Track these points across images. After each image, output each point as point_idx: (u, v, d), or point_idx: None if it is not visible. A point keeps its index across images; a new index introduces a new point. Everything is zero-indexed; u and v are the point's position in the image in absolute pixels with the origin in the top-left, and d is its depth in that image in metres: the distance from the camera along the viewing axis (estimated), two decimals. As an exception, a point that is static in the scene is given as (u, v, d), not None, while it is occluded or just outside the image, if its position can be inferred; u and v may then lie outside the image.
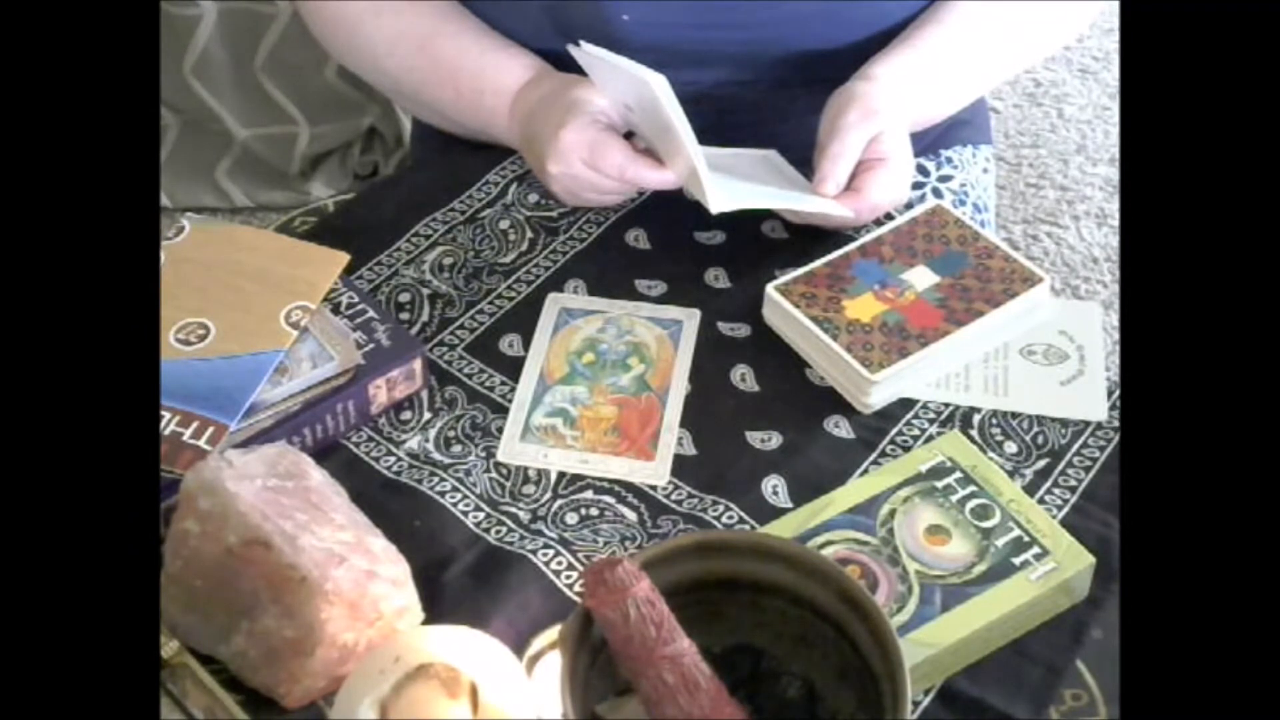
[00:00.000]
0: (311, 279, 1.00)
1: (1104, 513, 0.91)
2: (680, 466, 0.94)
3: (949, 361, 0.99)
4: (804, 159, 1.08)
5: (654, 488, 0.93)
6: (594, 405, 0.98)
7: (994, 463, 0.92)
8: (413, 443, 0.96)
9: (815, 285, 1.02)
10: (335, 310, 0.99)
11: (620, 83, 1.03)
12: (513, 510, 0.92)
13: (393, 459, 0.95)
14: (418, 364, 0.98)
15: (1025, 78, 2.38)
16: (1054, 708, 0.82)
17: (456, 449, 0.96)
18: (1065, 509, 0.92)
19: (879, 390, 0.96)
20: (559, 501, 0.93)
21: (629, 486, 0.93)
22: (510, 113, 1.12)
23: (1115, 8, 2.32)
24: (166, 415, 0.90)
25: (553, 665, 0.75)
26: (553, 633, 0.76)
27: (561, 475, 0.94)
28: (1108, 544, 0.89)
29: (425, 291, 1.07)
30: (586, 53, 1.04)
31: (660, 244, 1.10)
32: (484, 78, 1.13)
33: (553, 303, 1.05)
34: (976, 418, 0.97)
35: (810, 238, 1.09)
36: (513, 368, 1.01)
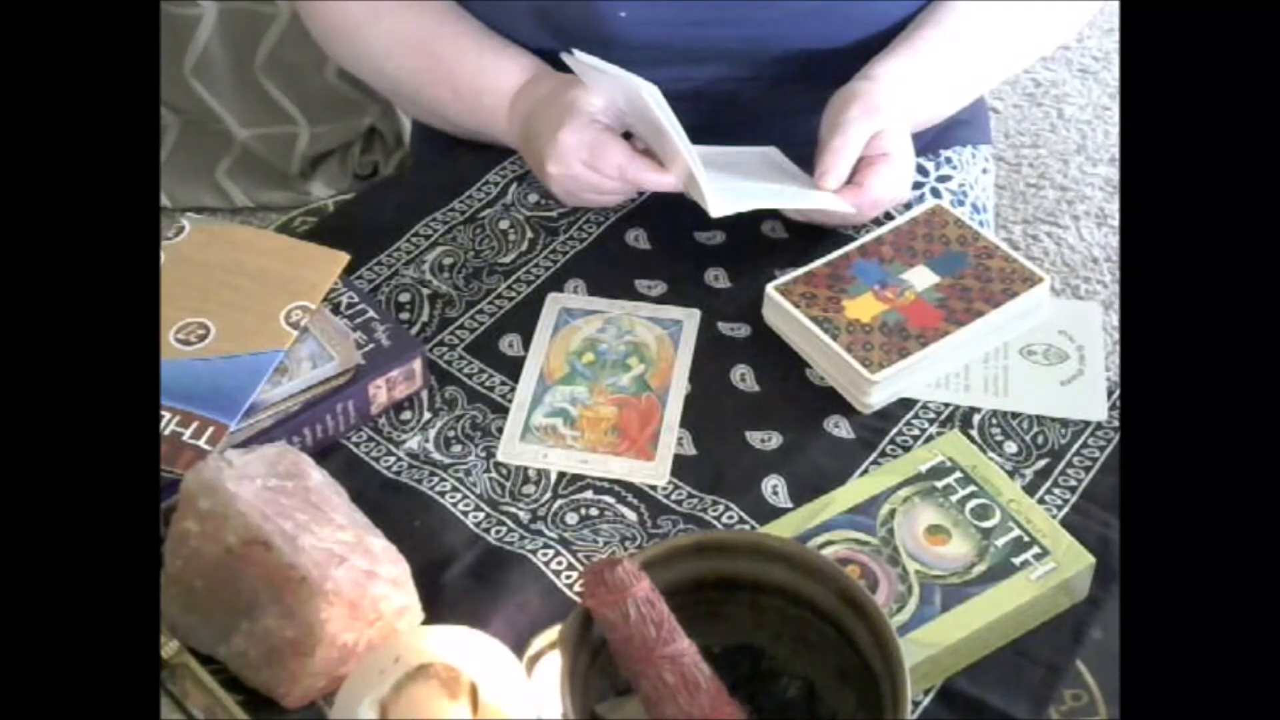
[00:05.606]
0: (311, 279, 1.00)
1: (1104, 513, 0.91)
2: (680, 466, 0.94)
3: (949, 361, 0.99)
4: (802, 157, 1.08)
5: (654, 488, 0.93)
6: (594, 405, 0.98)
7: (994, 463, 0.92)
8: (413, 443, 0.96)
9: (815, 285, 1.02)
10: (335, 310, 0.99)
11: (614, 90, 1.03)
12: (513, 510, 0.92)
13: (393, 459, 0.95)
14: (418, 364, 0.98)
15: (1025, 78, 2.38)
16: (1054, 708, 0.82)
17: (456, 449, 0.96)
18: (1065, 509, 0.92)
19: (879, 390, 0.96)
20: (559, 501, 0.93)
21: (629, 486, 0.93)
22: (509, 113, 1.12)
23: (1115, 8, 2.33)
24: (166, 415, 0.90)
25: (553, 665, 0.75)
26: (553, 633, 0.76)
27: (561, 475, 0.94)
28: (1108, 544, 0.89)
29: (425, 291, 1.07)
30: (579, 61, 1.04)
31: (660, 244, 1.10)
32: (483, 79, 1.13)
33: (553, 303, 1.05)
34: (976, 418, 0.97)
35: (810, 238, 1.09)
36: (513, 368, 1.01)
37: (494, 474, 0.94)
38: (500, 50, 1.13)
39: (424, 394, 0.99)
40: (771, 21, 1.10)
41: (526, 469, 0.94)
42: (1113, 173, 2.22)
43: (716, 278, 1.08)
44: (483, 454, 0.95)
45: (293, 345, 0.95)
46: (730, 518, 0.91)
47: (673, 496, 0.93)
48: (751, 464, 0.94)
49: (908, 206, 1.10)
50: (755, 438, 0.96)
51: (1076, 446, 0.95)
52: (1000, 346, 1.01)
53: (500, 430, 0.96)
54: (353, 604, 0.79)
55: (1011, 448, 0.95)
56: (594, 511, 0.92)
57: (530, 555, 0.89)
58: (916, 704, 0.82)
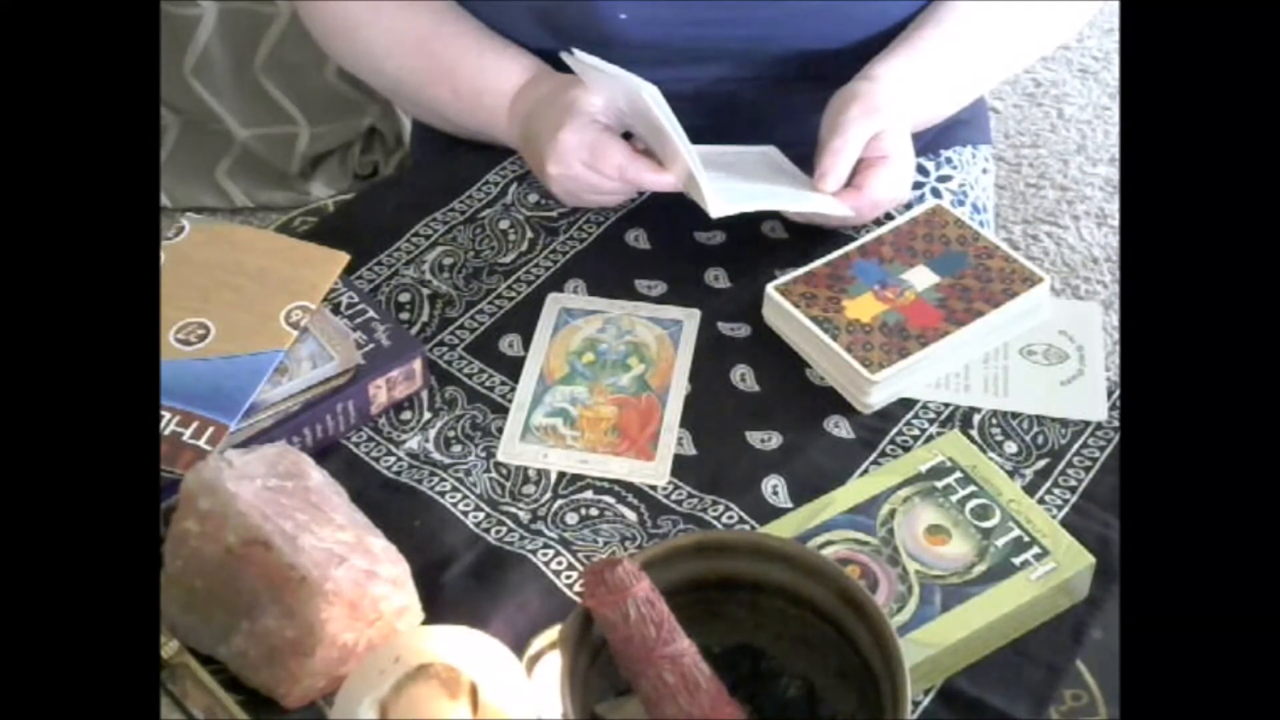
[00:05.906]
0: (311, 279, 1.00)
1: (1104, 513, 0.91)
2: (680, 466, 0.94)
3: (949, 361, 0.99)
4: (802, 156, 1.08)
5: (654, 488, 0.93)
6: (594, 405, 0.98)
7: (994, 463, 0.92)
8: (413, 443, 0.96)
9: (815, 285, 1.02)
10: (335, 310, 0.99)
11: (614, 90, 1.03)
12: (513, 510, 0.92)
13: (393, 459, 0.95)
14: (418, 364, 0.98)
15: (1025, 78, 2.38)
16: (1054, 708, 0.82)
17: (456, 449, 0.96)
18: (1065, 509, 0.92)
19: (879, 390, 0.96)
20: (559, 501, 0.93)
21: (629, 486, 0.93)
22: (509, 114, 1.12)
23: (1115, 8, 2.32)
24: (166, 415, 0.90)
25: (553, 665, 0.75)
26: (553, 633, 0.76)
27: (561, 475, 0.94)
28: (1108, 544, 0.89)
29: (425, 291, 1.07)
30: (579, 60, 1.04)
31: (660, 244, 1.10)
32: (483, 79, 1.13)
33: (553, 303, 1.05)
34: (976, 418, 0.97)
35: (810, 238, 1.09)
36: (513, 368, 1.01)
37: (494, 474, 0.94)
38: (500, 50, 1.13)
39: (424, 394, 0.99)
40: (771, 21, 1.10)
41: (526, 469, 0.94)
42: (1113, 173, 2.22)
43: (716, 278, 1.08)
44: (483, 454, 0.95)
45: (293, 345, 0.95)
46: (730, 518, 0.91)
47: (673, 496, 0.93)
48: (751, 464, 0.94)
49: (908, 206, 1.10)
50: (755, 438, 0.96)
51: (1076, 446, 0.95)
52: (1000, 346, 1.01)
53: (500, 430, 0.96)
54: (353, 604, 0.79)
55: (1011, 448, 0.95)
56: (594, 511, 0.92)
57: (530, 555, 0.89)
58: (916, 704, 0.82)
